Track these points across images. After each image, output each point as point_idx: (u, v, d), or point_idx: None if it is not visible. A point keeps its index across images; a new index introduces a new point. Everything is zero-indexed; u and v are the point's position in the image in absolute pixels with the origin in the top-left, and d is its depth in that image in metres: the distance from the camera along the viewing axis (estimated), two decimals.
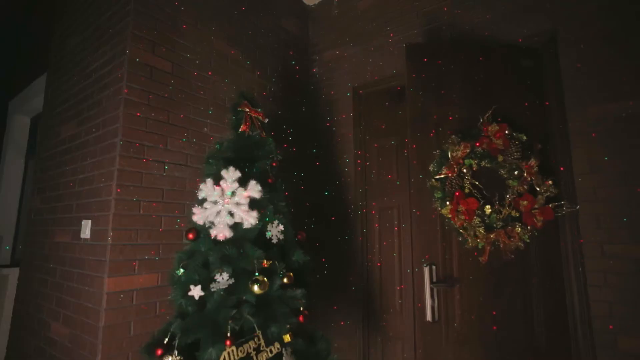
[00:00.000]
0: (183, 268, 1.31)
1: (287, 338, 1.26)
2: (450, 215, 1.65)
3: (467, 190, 1.69)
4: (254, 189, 1.30)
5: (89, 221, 1.75)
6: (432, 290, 1.63)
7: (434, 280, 1.64)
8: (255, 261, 1.26)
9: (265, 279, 1.24)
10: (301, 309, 1.38)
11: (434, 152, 1.76)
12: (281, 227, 1.41)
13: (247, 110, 1.49)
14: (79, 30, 2.24)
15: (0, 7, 4.08)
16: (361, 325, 2.34)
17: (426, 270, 1.64)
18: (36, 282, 2.15)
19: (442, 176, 1.70)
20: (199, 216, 1.32)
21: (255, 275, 1.24)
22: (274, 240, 1.39)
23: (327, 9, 2.85)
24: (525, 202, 1.65)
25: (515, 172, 1.69)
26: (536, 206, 1.66)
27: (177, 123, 1.89)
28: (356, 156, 2.54)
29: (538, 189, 1.67)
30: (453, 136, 1.74)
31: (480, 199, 1.69)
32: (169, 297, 1.34)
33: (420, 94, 1.82)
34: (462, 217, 1.63)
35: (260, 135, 1.50)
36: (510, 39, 1.96)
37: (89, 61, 2.05)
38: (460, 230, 1.66)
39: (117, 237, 1.62)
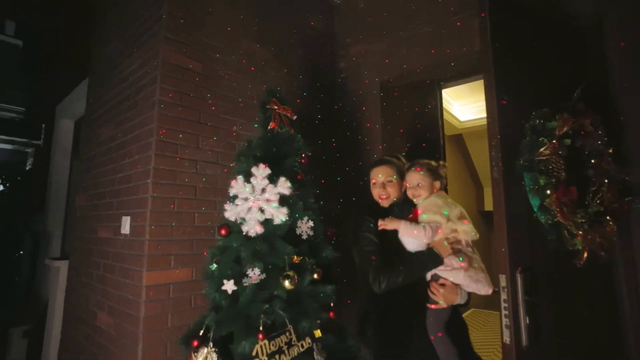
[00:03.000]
0: (216, 263, 1.35)
1: (317, 333, 1.27)
2: (555, 208, 1.32)
3: (563, 177, 1.37)
4: (284, 186, 1.31)
5: (128, 217, 1.84)
6: (527, 304, 1.25)
7: (527, 291, 1.27)
8: (286, 257, 1.28)
9: (295, 274, 1.25)
10: (331, 305, 1.39)
11: (526, 127, 1.41)
12: (311, 223, 1.41)
13: (276, 107, 1.50)
14: (116, 36, 2.35)
15: (47, 18, 4.35)
16: None
17: (520, 279, 1.26)
18: (83, 274, 2.30)
19: (543, 158, 1.35)
20: (230, 213, 1.35)
21: (286, 270, 1.25)
22: (304, 237, 1.40)
23: (352, 3, 2.81)
24: (609, 195, 1.44)
25: (593, 161, 1.46)
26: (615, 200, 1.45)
27: (208, 122, 1.94)
28: (384, 152, 2.50)
29: (607, 180, 1.46)
30: (546, 109, 1.41)
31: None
32: (203, 291, 1.39)
33: (501, 71, 1.43)
34: (565, 209, 1.33)
35: (289, 132, 1.51)
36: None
37: (125, 65, 2.15)
38: (558, 228, 1.35)
39: (154, 233, 1.69)
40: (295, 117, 1.58)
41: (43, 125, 4.35)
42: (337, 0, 2.91)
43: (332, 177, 2.44)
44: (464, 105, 4.58)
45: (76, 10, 3.54)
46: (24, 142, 5.24)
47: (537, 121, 1.41)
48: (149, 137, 1.78)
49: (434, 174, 1.53)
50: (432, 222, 1.43)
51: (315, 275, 1.34)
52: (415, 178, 1.52)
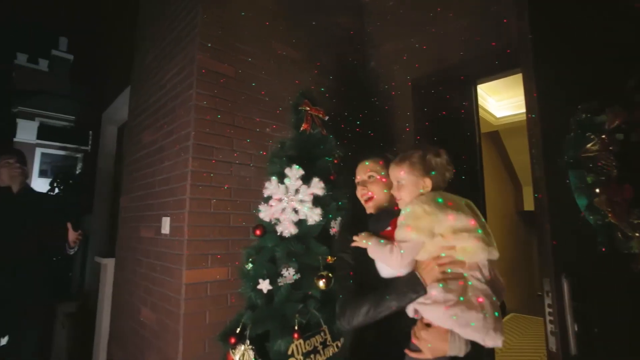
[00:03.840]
0: (252, 263, 1.38)
1: None
2: (605, 208, 1.22)
3: (614, 174, 1.25)
4: (317, 186, 1.32)
5: (168, 218, 1.93)
6: (575, 310, 1.16)
7: (575, 296, 1.17)
8: (320, 257, 1.28)
9: (330, 274, 1.25)
10: None
11: (570, 122, 1.30)
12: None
13: (308, 108, 1.52)
14: (155, 45, 2.47)
15: (94, 32, 4.66)
16: None
17: (566, 283, 1.17)
18: (128, 271, 2.44)
19: (591, 155, 1.24)
20: (265, 213, 1.38)
21: (320, 271, 1.26)
22: (337, 237, 1.40)
23: (382, 1, 2.78)
24: None
25: None
26: None
27: (241, 125, 1.99)
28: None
29: None
30: (594, 102, 1.29)
31: None
32: (239, 290, 1.43)
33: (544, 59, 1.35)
34: (617, 209, 1.24)
35: (321, 132, 1.52)
36: None
37: (163, 73, 2.25)
38: (610, 229, 1.25)
39: (192, 233, 1.76)
40: (327, 118, 1.58)
41: (90, 132, 4.67)
42: None
43: None
44: (500, 100, 4.40)
45: (119, 23, 3.76)
46: (74, 148, 5.66)
47: (584, 115, 1.30)
48: (186, 140, 1.86)
49: (422, 166, 1.10)
50: (404, 242, 1.02)
51: None
52: (394, 174, 1.13)
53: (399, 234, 1.04)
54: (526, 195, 5.63)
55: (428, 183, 1.10)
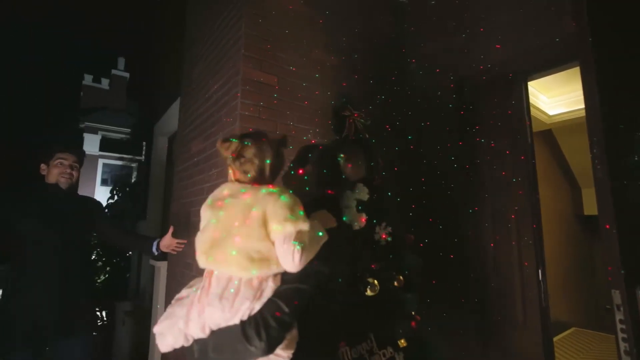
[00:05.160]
0: None
1: (402, 343, 1.23)
2: None
3: None
4: (362, 191, 1.31)
5: None
6: None
7: None
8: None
9: (375, 281, 1.24)
10: (413, 313, 1.34)
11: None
12: (389, 228, 1.39)
13: (349, 114, 1.52)
14: (202, 58, 2.61)
15: (147, 50, 5.04)
16: (474, 337, 2.14)
17: None
18: (179, 274, 2.57)
19: None
20: None
21: (366, 277, 1.24)
22: (382, 242, 1.37)
23: (421, 0, 2.72)
24: None
25: None
26: None
27: (284, 132, 2.03)
28: (462, 153, 2.35)
29: None
30: None
31: None
32: None
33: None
34: None
35: (364, 137, 1.51)
36: None
37: (210, 85, 2.37)
38: None
39: None
40: (368, 122, 1.57)
41: (144, 142, 5.02)
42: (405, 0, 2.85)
43: (407, 182, 2.37)
44: (553, 97, 4.11)
45: (171, 40, 4.04)
46: (129, 158, 6.13)
47: None
48: None
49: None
50: None
51: (396, 283, 1.30)
52: None
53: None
54: (586, 198, 5.17)
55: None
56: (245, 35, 1.99)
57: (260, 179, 1.03)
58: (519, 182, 2.11)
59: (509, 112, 2.20)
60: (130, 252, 4.58)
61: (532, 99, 3.73)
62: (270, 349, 0.86)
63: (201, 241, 1.00)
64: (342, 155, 1.37)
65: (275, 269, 0.93)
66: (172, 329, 0.95)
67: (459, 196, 2.31)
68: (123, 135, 14.32)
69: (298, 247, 0.90)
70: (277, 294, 0.91)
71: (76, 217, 1.95)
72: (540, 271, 1.99)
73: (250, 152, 1.03)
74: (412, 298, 1.30)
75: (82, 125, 15.59)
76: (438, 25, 2.57)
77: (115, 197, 4.82)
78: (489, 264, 2.17)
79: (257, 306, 0.89)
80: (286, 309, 0.88)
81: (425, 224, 2.41)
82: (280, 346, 0.89)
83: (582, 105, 1.31)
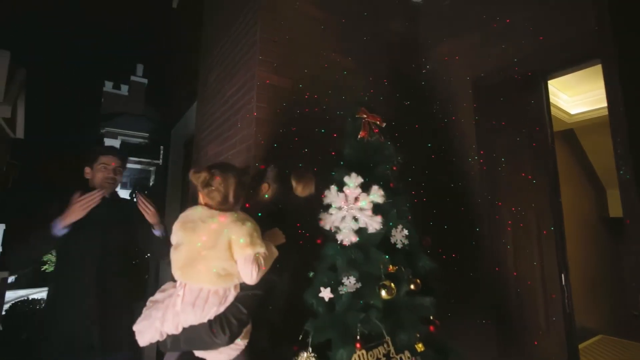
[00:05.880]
0: (313, 270, 1.39)
1: (420, 347, 1.21)
2: None
3: None
4: (377, 194, 1.30)
5: None
6: None
7: None
8: (382, 266, 1.26)
9: (392, 284, 1.22)
10: (431, 317, 1.32)
11: None
12: (405, 231, 1.37)
13: (365, 116, 1.51)
14: (218, 63, 2.66)
15: (165, 58, 5.16)
16: (495, 342, 2.09)
17: None
18: None
19: None
20: (325, 221, 1.39)
21: (382, 280, 1.23)
22: (399, 245, 1.36)
23: (436, 1, 2.69)
24: None
25: None
26: None
27: (299, 135, 2.04)
28: (479, 154, 2.30)
29: None
30: None
31: None
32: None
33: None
34: None
35: (379, 140, 1.50)
36: None
37: (226, 89, 2.41)
38: None
39: None
40: (384, 125, 1.56)
41: (161, 146, 5.14)
42: (419, 0, 2.82)
43: (426, 184, 2.34)
44: (574, 96, 3.98)
45: (187, 45, 4.12)
46: (147, 162, 6.27)
47: None
48: (248, 152, 1.95)
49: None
50: None
51: (413, 286, 1.29)
52: None
53: None
54: (611, 199, 4.98)
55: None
56: (260, 39, 2.01)
57: (224, 205, 1.20)
58: (540, 184, 2.05)
59: (529, 111, 2.15)
60: (148, 254, 4.68)
61: (552, 98, 3.62)
62: (231, 341, 1.11)
63: (176, 259, 1.17)
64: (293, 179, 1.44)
65: (237, 281, 1.16)
66: (150, 328, 1.15)
67: (478, 198, 2.26)
68: (141, 140, 14.73)
69: (255, 267, 1.12)
70: (237, 298, 1.16)
71: (118, 223, 1.96)
72: (563, 275, 1.93)
73: (216, 182, 1.20)
74: (429, 302, 1.28)
75: (102, 131, 16.13)
76: (454, 25, 2.53)
77: (134, 200, 4.94)
78: (510, 268, 2.12)
79: (222, 309, 1.13)
80: (244, 310, 1.14)
81: (442, 227, 2.37)
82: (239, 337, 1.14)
83: (604, 104, 1.27)
